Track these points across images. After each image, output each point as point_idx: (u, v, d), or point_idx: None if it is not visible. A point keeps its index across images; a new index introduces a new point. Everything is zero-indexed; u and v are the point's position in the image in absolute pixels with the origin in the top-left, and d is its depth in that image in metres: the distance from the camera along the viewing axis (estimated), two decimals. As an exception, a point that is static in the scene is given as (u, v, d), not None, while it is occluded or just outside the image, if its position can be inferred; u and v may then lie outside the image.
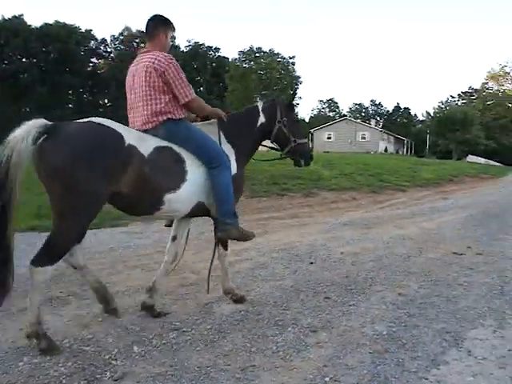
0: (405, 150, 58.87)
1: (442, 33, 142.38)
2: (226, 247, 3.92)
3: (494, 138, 58.02)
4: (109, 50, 70.25)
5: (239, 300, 3.92)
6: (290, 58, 50.79)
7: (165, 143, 3.33)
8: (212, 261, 3.87)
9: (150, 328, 3.32)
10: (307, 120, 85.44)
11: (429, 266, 5.14)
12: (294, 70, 51.05)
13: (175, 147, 3.38)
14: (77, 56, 60.17)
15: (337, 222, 8.07)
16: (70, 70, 56.86)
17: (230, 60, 53.25)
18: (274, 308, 3.79)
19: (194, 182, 3.41)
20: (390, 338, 3.16)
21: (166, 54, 3.48)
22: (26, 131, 2.79)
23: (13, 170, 2.75)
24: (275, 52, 50.73)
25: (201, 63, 71.41)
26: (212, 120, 3.83)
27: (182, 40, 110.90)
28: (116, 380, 2.56)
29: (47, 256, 2.86)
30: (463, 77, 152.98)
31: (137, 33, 69.89)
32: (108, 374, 2.63)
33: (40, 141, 2.80)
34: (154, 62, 3.37)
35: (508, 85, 75.61)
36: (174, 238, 3.83)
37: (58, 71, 55.45)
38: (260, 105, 4.10)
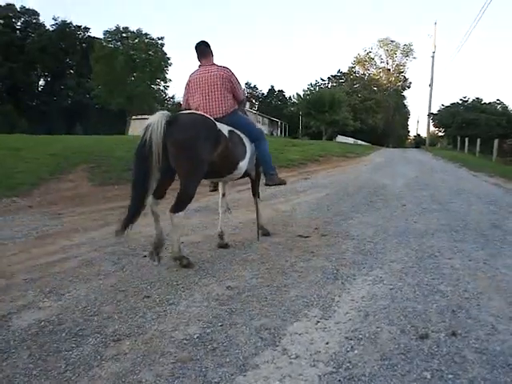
0: (279, 131, 60.27)
1: (316, 17, 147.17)
2: (258, 196, 5.69)
3: (361, 119, 61.62)
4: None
5: (266, 234, 5.68)
6: (159, 39, 49.09)
7: (231, 128, 4.73)
8: (257, 211, 5.56)
9: None
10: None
11: (269, 251, 4.91)
12: (162, 52, 49.40)
13: (236, 130, 4.81)
14: None
15: (190, 209, 7.65)
16: None
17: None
18: (82, 314, 3.28)
19: (248, 154, 4.96)
20: (201, 342, 2.80)
21: (226, 66, 4.99)
22: (159, 118, 4.01)
23: (153, 146, 3.94)
24: (143, 32, 48.69)
25: (69, 44, 67.12)
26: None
27: (47, 17, 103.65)
28: None
29: (179, 205, 4.23)
30: (333, 61, 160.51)
31: None
32: None
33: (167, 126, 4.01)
34: (222, 72, 4.89)
35: (373, 69, 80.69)
36: (224, 195, 5.49)
37: None
38: None
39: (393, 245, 5.23)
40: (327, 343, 2.80)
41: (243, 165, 4.85)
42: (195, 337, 2.88)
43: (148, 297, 3.58)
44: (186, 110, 4.85)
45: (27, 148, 12.58)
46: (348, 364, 2.54)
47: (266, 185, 5.31)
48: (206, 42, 5.07)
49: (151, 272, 4.22)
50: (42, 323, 3.15)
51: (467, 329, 3.01)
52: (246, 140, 4.93)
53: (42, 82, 70.99)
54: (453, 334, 2.92)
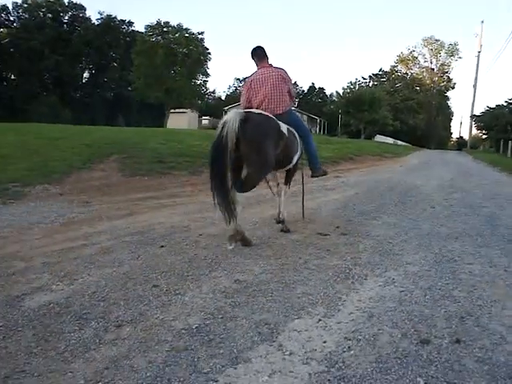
0: (318, 129, 59.89)
1: (357, 16, 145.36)
2: (289, 186, 6.03)
3: (402, 119, 60.55)
4: (11, 18, 65.44)
5: (286, 231, 5.67)
6: (199, 34, 49.31)
7: (287, 126, 5.20)
8: (303, 195, 6.51)
9: None
10: (223, 98, 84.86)
11: (284, 248, 4.89)
12: (202, 46, 49.62)
13: (290, 128, 5.30)
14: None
15: (211, 202, 7.70)
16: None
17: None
18: (90, 299, 3.35)
19: (300, 148, 5.60)
20: (198, 333, 2.82)
21: (281, 67, 5.58)
22: (234, 116, 4.43)
23: (229, 141, 4.37)
24: (183, 27, 49.02)
25: (113, 37, 68.52)
26: None
27: (93, 12, 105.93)
28: None
29: (244, 188, 4.73)
30: (376, 59, 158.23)
31: (42, 1, 65.65)
32: None
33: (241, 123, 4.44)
34: (280, 72, 5.48)
35: (416, 69, 79.14)
36: (278, 184, 6.00)
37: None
38: None
39: (413, 247, 5.12)
40: (325, 342, 2.77)
41: (296, 158, 5.56)
42: (194, 327, 2.90)
43: (156, 286, 3.63)
44: (247, 107, 5.31)
45: (65, 137, 12.94)
46: (341, 364, 2.50)
47: (313, 176, 6.16)
48: (262, 47, 5.67)
49: (164, 262, 4.26)
50: (51, 305, 3.24)
51: (473, 337, 2.91)
52: (297, 136, 5.49)
53: (86, 75, 72.91)
54: (456, 341, 2.83)
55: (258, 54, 5.64)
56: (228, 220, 4.57)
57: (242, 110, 4.69)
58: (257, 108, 5.30)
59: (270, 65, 5.57)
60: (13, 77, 65.66)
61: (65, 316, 3.06)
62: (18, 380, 2.31)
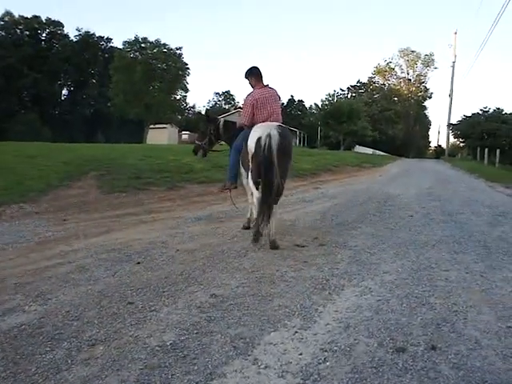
0: (298, 141, 60.16)
1: (335, 27, 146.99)
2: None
3: (380, 129, 61.23)
4: (-12, 36, 64.77)
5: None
6: (177, 49, 49.51)
7: None
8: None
9: None
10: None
11: (262, 260, 4.87)
12: (181, 62, 49.77)
13: None
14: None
15: (192, 217, 7.67)
16: None
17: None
18: (63, 318, 3.30)
19: None
20: (172, 350, 2.79)
21: (273, 87, 6.16)
22: (273, 129, 5.26)
23: (275, 154, 5.11)
24: (161, 42, 49.16)
25: (92, 54, 68.35)
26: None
27: (71, 29, 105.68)
28: None
29: (278, 196, 5.43)
30: (353, 71, 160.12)
31: (20, 18, 65.23)
32: None
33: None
34: (275, 91, 6.11)
35: (393, 79, 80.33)
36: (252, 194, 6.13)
37: None
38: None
39: (390, 256, 5.16)
40: (300, 354, 2.76)
41: None
42: (168, 344, 2.87)
43: (131, 303, 3.59)
44: (251, 123, 5.92)
45: (42, 155, 12.79)
46: (317, 376, 2.50)
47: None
48: (258, 67, 6.19)
49: (140, 279, 4.22)
50: (23, 326, 3.18)
51: (448, 343, 2.94)
52: None
53: (65, 92, 72.43)
54: (432, 347, 2.85)
55: (256, 73, 6.14)
56: (266, 224, 5.22)
57: (276, 124, 5.48)
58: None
59: (267, 85, 6.14)
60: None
61: (37, 337, 3.01)
62: (-14, 405, 2.26)
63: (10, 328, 3.16)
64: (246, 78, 6.22)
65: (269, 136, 5.13)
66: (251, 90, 6.18)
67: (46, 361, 2.69)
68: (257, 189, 5.64)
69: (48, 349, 2.84)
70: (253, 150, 5.34)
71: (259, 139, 5.18)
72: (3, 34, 64.11)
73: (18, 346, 2.88)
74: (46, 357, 2.73)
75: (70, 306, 3.56)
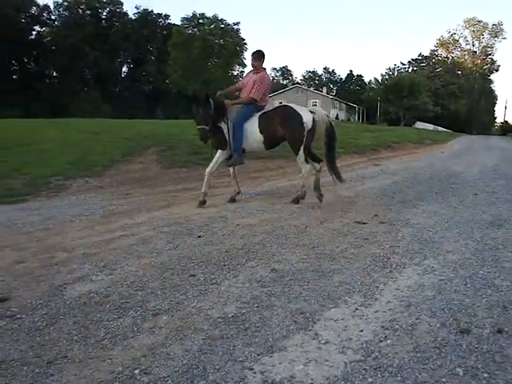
0: (356, 117, 59.10)
1: (396, 2, 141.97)
2: None
3: (443, 104, 59.03)
4: (52, 17, 66.93)
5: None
6: (235, 25, 49.41)
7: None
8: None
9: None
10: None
11: (322, 237, 4.85)
12: (238, 37, 49.65)
13: None
14: (17, 24, 57.23)
15: (251, 192, 7.74)
16: (10, 39, 53.75)
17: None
18: (128, 288, 3.43)
19: None
20: (233, 322, 2.84)
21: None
22: (322, 113, 6.79)
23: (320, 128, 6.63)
24: (219, 18, 49.16)
25: (150, 31, 69.37)
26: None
27: (130, 7, 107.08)
28: None
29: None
30: (415, 44, 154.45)
31: (82, -1, 66.84)
32: None
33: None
34: (269, 76, 7.18)
35: (457, 52, 76.89)
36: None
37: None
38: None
39: (453, 234, 5.00)
40: (361, 331, 2.74)
41: None
42: (230, 316, 2.92)
43: (193, 275, 3.67)
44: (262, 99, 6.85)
45: (104, 131, 13.22)
46: (378, 353, 2.47)
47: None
48: (262, 51, 6.95)
49: (201, 252, 4.30)
50: (92, 294, 3.33)
51: (516, 327, 2.83)
52: None
53: (124, 69, 74.08)
54: (498, 331, 2.75)
55: (259, 55, 6.91)
56: (339, 179, 6.95)
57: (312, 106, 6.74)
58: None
59: (261, 68, 7.01)
60: (54, 74, 67.39)
61: (104, 305, 3.14)
62: (60, 365, 2.39)
63: (80, 295, 3.31)
64: (256, 58, 6.90)
65: (322, 115, 6.70)
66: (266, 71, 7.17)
67: (114, 327, 2.80)
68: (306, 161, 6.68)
69: (115, 316, 2.96)
70: (309, 126, 6.49)
71: (314, 119, 6.55)
72: (66, 13, 66.06)
73: (88, 313, 3.01)
74: (114, 324, 2.85)
75: (135, 276, 3.68)
